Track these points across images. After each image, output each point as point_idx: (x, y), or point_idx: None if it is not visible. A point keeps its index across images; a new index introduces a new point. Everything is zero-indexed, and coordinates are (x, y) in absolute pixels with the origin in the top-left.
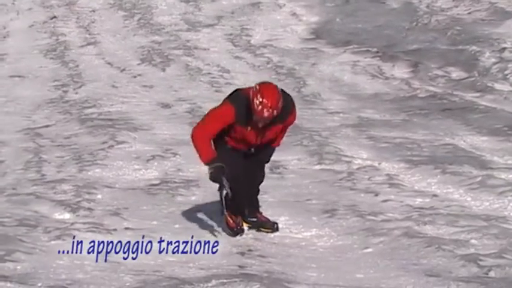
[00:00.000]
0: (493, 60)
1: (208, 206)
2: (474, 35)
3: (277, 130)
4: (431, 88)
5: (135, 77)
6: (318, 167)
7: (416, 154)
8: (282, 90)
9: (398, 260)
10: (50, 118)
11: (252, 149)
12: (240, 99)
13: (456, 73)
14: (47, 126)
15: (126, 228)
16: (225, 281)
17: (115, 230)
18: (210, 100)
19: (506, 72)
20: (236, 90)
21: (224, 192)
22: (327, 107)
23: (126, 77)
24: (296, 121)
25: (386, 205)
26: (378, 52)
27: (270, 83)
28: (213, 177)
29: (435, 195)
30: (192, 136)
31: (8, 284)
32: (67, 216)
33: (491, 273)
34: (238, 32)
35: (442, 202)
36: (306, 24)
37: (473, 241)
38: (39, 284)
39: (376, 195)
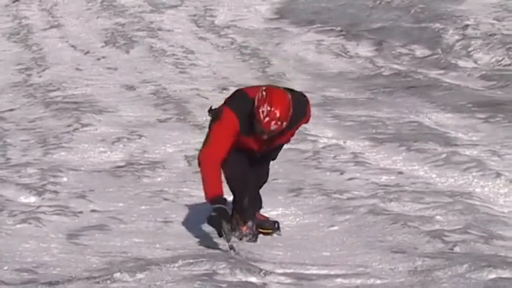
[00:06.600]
0: (456, 37)
1: (174, 187)
2: (437, 12)
3: (288, 136)
4: (395, 66)
5: (99, 59)
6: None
7: (381, 132)
8: (291, 90)
9: (364, 237)
10: (14, 102)
11: (258, 155)
12: (243, 103)
13: (420, 51)
14: (11, 110)
15: (92, 211)
16: (191, 261)
17: (81, 212)
18: (175, 81)
19: (469, 49)
20: (238, 90)
21: (227, 244)
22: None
23: (90, 60)
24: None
25: (352, 183)
26: (341, 31)
27: (278, 88)
28: (213, 224)
29: (400, 173)
30: (199, 162)
31: None
32: (32, 199)
33: (457, 249)
34: (202, 13)
35: (407, 179)
36: (269, 3)
37: (438, 217)
38: (6, 268)
39: (342, 173)
